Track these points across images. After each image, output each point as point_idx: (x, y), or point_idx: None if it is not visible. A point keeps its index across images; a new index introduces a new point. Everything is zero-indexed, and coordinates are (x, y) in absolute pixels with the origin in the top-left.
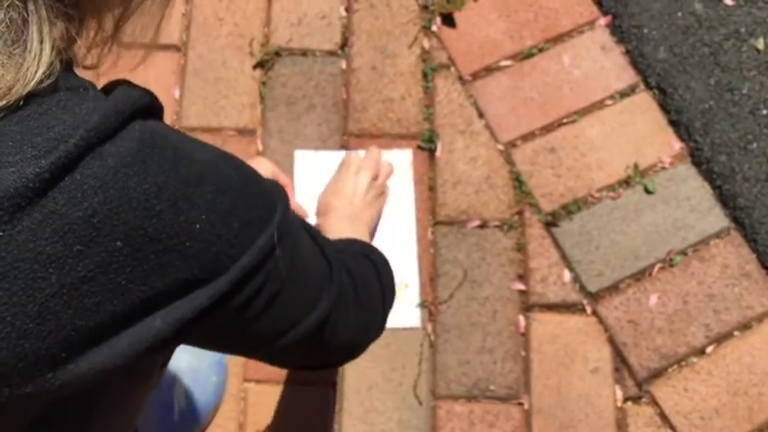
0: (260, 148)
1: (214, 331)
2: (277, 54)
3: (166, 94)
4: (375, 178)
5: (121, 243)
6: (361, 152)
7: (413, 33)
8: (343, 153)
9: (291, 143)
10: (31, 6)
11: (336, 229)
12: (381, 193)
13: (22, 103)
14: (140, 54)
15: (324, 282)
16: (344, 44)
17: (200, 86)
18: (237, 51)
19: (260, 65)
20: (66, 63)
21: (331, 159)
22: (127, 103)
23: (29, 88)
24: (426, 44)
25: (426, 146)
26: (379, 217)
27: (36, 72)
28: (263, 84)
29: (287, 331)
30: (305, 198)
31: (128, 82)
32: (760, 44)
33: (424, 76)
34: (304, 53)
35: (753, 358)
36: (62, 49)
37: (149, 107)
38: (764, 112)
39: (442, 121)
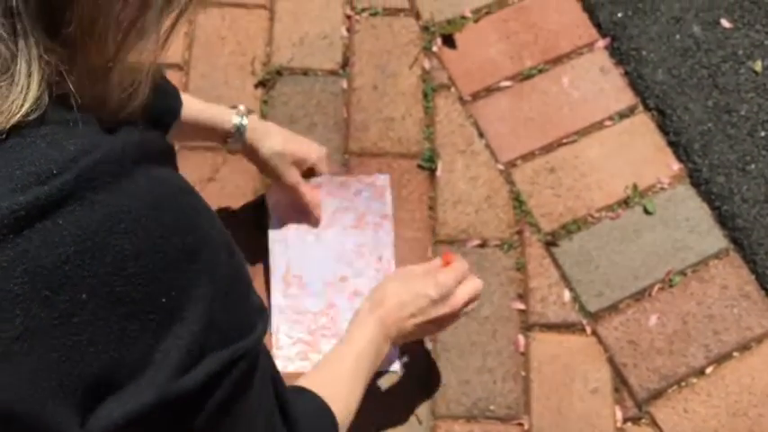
0: None
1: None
2: (278, 73)
3: None
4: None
5: (86, 296)
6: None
7: (413, 54)
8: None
9: None
10: (21, 41)
11: (367, 337)
12: (439, 326)
13: (5, 136)
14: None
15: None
16: (346, 64)
17: None
18: (239, 70)
19: (261, 84)
20: (57, 97)
21: (310, 235)
22: (128, 150)
23: (13, 121)
24: (427, 64)
25: (427, 165)
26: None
27: (22, 106)
28: (265, 102)
29: None
30: (281, 273)
31: (133, 121)
32: (758, 66)
33: (425, 96)
34: (305, 72)
35: (752, 379)
36: (53, 83)
37: (157, 154)
38: (762, 133)
39: (443, 140)
